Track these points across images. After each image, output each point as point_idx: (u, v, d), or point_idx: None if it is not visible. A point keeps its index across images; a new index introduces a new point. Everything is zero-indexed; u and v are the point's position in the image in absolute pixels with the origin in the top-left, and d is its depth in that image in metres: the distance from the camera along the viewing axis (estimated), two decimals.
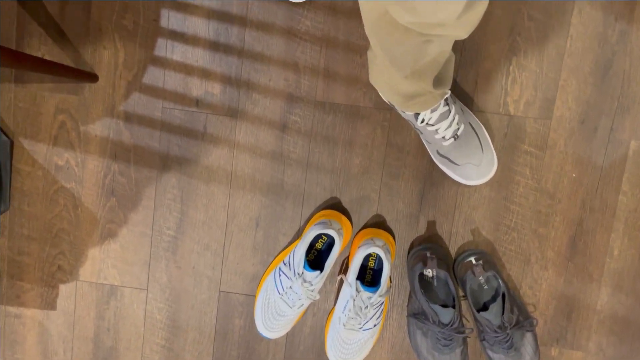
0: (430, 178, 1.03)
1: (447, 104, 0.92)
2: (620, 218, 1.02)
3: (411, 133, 1.03)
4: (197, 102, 1.04)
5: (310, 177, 1.05)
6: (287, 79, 1.03)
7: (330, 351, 1.04)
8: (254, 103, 1.04)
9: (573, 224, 1.03)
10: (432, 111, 0.91)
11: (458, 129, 0.94)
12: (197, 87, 1.04)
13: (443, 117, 0.92)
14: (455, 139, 0.95)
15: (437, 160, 1.01)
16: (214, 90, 1.04)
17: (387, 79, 0.84)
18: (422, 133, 0.97)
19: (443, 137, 0.95)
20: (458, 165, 0.98)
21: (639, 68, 0.98)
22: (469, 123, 0.97)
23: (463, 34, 0.65)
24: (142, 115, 1.05)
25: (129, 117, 1.06)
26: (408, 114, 0.94)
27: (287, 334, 1.09)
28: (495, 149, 0.99)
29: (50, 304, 1.12)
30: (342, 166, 1.04)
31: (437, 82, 0.86)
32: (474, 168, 0.97)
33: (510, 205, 1.03)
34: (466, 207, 1.04)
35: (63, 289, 1.11)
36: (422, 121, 0.92)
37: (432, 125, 0.93)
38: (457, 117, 0.94)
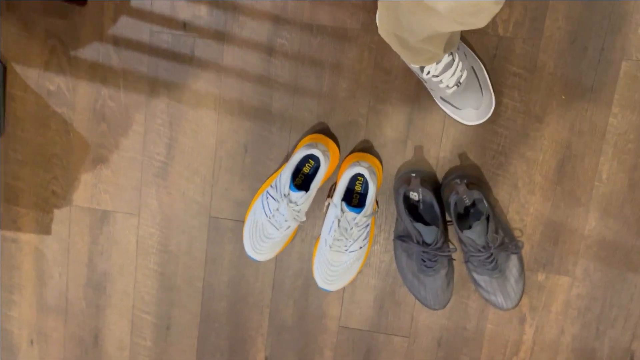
0: (418, 102, 1.03)
1: (451, 53, 0.93)
2: (610, 141, 1.01)
3: (399, 56, 1.02)
4: (185, 26, 1.05)
5: (297, 101, 1.05)
6: (274, 1, 1.02)
7: (317, 273, 1.05)
8: (241, 26, 1.04)
9: (561, 148, 1.02)
10: (437, 62, 0.92)
11: (461, 76, 0.95)
12: (184, 10, 1.04)
13: (447, 67, 0.93)
14: (458, 86, 0.96)
15: (439, 102, 1.02)
16: (201, 13, 1.04)
17: (398, 34, 0.83)
18: (426, 82, 0.98)
19: (447, 86, 0.96)
20: (459, 109, 1.00)
21: None
22: (472, 67, 0.98)
23: (482, 23, 0.67)
24: (130, 39, 1.06)
25: (117, 42, 1.06)
26: (413, 66, 0.95)
27: (275, 258, 1.11)
28: (492, 88, 1.00)
29: (45, 229, 1.14)
30: (329, 90, 1.04)
31: (447, 45, 0.87)
32: (474, 111, 0.99)
33: (497, 128, 1.02)
34: (453, 131, 1.03)
35: (57, 213, 1.14)
36: (428, 73, 0.94)
37: (437, 76, 0.94)
38: (460, 65, 0.94)
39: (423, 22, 0.71)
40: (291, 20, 1.02)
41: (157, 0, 1.04)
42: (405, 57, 0.92)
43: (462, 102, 0.99)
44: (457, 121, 1.02)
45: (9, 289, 1.17)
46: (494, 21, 0.99)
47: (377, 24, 0.90)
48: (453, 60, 0.93)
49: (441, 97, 1.00)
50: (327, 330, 1.12)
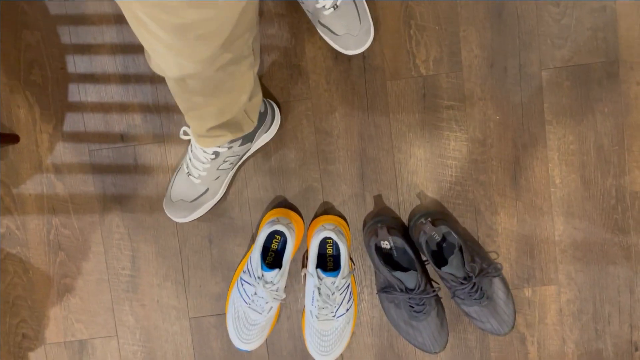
0: (365, 155, 1.05)
1: None
2: (552, 147, 1.04)
3: (336, 116, 1.05)
4: (122, 137, 1.05)
5: (250, 182, 1.06)
6: None
7: (310, 347, 1.03)
8: (176, 124, 1.05)
9: (510, 164, 1.05)
10: None
11: None
12: (118, 123, 1.05)
13: None
14: (334, 9, 0.97)
15: (319, 29, 1.03)
16: (135, 122, 1.05)
17: None
18: (302, 2, 0.99)
19: (323, 7, 0.97)
20: (338, 35, 1.01)
21: (529, 3, 1.02)
22: None
23: None
24: (70, 163, 1.05)
25: (58, 169, 1.05)
26: None
27: (266, 342, 1.08)
28: (372, 20, 1.01)
29: None
30: (278, 164, 1.05)
31: None
32: (352, 38, 1.00)
33: (446, 161, 1.05)
34: (406, 174, 1.05)
35: (32, 356, 1.08)
36: None
37: None
38: None
39: None
40: None
41: (89, 120, 1.05)
42: None
43: (340, 28, 1.00)
44: (337, 50, 1.02)
45: None
46: (414, 63, 1.04)
47: None
48: None
49: (319, 22, 1.01)
50: None
